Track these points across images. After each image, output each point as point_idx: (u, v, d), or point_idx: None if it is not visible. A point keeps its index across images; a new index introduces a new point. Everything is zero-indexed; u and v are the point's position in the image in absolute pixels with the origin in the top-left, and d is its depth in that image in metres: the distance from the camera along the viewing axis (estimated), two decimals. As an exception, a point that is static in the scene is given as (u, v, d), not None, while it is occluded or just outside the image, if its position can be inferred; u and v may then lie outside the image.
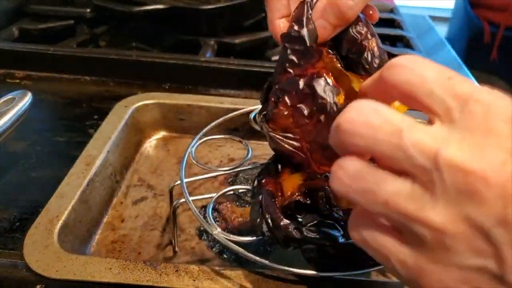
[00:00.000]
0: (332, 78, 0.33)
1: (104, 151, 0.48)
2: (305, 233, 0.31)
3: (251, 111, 0.48)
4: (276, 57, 0.34)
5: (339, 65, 0.34)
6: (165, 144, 0.59)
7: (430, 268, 0.21)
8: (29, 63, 0.66)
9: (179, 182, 0.40)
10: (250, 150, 0.45)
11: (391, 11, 0.93)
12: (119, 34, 0.83)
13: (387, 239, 0.23)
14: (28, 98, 0.54)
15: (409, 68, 0.23)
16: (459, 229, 0.20)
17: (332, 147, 0.25)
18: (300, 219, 0.32)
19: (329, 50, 0.34)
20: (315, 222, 0.32)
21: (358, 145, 0.22)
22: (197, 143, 0.45)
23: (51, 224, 0.39)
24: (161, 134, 0.60)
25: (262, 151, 0.57)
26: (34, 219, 0.39)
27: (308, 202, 0.33)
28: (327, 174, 0.36)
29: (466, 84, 0.22)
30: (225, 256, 0.42)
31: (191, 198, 0.38)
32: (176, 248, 0.43)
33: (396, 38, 0.82)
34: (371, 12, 0.35)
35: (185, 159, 0.42)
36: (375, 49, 0.34)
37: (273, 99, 0.33)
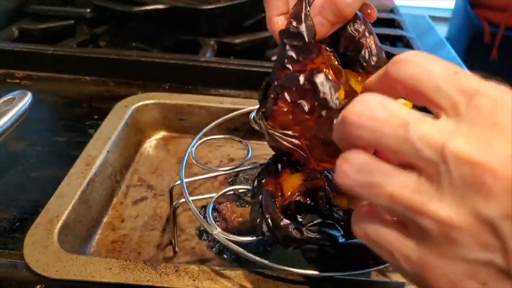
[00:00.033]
0: (332, 73, 0.33)
1: (104, 151, 0.48)
2: (305, 233, 0.31)
3: (251, 111, 0.48)
4: (276, 57, 0.34)
5: (336, 62, 0.34)
6: (165, 144, 0.59)
7: (435, 262, 0.21)
8: (29, 63, 0.66)
9: (179, 182, 0.40)
10: (250, 150, 0.45)
11: (391, 11, 0.93)
12: (119, 34, 0.83)
13: (391, 233, 0.23)
14: (28, 98, 0.54)
15: (415, 63, 0.23)
16: (466, 222, 0.20)
17: (334, 142, 0.25)
18: (300, 219, 0.32)
19: (327, 48, 0.34)
20: (315, 222, 0.32)
21: (364, 138, 0.22)
22: (197, 143, 0.45)
23: (51, 224, 0.39)
24: (161, 134, 0.60)
25: (262, 151, 0.57)
26: (34, 219, 0.40)
27: (308, 202, 0.33)
28: (327, 174, 0.36)
29: (472, 79, 0.22)
30: (225, 256, 0.42)
31: (191, 198, 0.38)
32: (176, 248, 0.43)
33: (396, 38, 0.82)
34: (369, 10, 0.35)
35: (185, 159, 0.42)
36: (373, 47, 0.34)
37: (272, 96, 0.33)
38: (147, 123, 0.59)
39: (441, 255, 0.21)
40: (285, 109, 0.33)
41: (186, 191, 0.38)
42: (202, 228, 0.45)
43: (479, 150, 0.20)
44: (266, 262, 0.33)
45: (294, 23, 0.32)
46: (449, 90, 0.22)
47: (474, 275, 0.20)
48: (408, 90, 0.23)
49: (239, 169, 0.44)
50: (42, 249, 0.37)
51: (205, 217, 0.36)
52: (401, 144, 0.21)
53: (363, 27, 0.34)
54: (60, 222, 0.39)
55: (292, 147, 0.33)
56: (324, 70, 0.32)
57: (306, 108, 0.32)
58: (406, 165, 0.22)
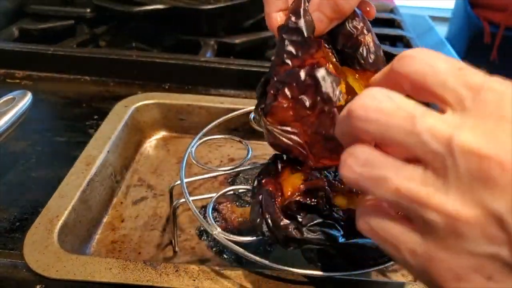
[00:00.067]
0: (332, 67, 0.33)
1: (104, 151, 0.48)
2: (305, 233, 0.31)
3: (251, 111, 0.48)
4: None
5: (334, 59, 0.34)
6: (165, 144, 0.59)
7: (441, 255, 0.21)
8: (29, 63, 0.66)
9: (179, 182, 0.40)
10: (250, 150, 0.45)
11: (391, 11, 0.93)
12: (119, 34, 0.83)
13: (396, 227, 0.23)
14: (28, 98, 0.54)
15: (420, 59, 0.23)
16: (472, 215, 0.20)
17: (336, 137, 0.25)
18: (300, 219, 0.32)
19: (325, 44, 0.34)
20: (315, 222, 0.32)
21: (371, 131, 0.22)
22: (197, 143, 0.45)
23: (51, 224, 0.39)
24: (161, 134, 0.60)
25: (262, 151, 0.57)
26: (34, 219, 0.40)
27: (308, 202, 0.33)
28: (327, 174, 0.36)
29: (477, 74, 0.22)
30: (225, 256, 0.42)
31: (191, 198, 0.38)
32: (176, 248, 0.43)
33: (396, 38, 0.82)
34: (368, 8, 0.35)
35: (185, 159, 0.42)
36: (371, 44, 0.34)
37: (272, 92, 0.33)
38: (147, 123, 0.59)
39: (447, 248, 0.21)
40: (285, 105, 0.32)
41: (186, 191, 0.38)
42: (202, 228, 0.45)
43: (486, 143, 0.20)
44: (266, 262, 0.33)
45: (293, 19, 0.32)
46: (455, 85, 0.22)
47: (479, 269, 0.20)
48: (414, 85, 0.23)
49: (239, 169, 0.44)
50: (42, 249, 0.37)
51: (205, 217, 0.36)
52: (408, 137, 0.21)
53: (361, 24, 0.34)
54: (60, 222, 0.39)
55: (291, 143, 0.33)
56: (325, 64, 0.32)
57: (307, 103, 0.32)
58: (412, 159, 0.22)
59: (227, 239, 0.34)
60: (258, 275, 0.35)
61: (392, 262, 0.33)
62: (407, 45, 0.78)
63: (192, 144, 0.44)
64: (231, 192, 0.41)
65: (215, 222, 0.35)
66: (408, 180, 0.21)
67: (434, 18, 1.07)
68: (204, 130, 0.47)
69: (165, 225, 0.46)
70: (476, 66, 0.22)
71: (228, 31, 0.79)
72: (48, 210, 0.40)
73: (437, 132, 0.21)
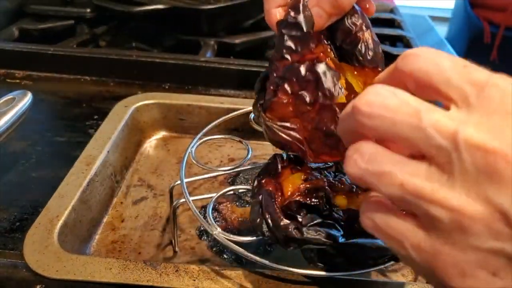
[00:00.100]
0: (331, 62, 0.33)
1: (104, 151, 0.48)
2: (305, 233, 0.31)
3: (251, 111, 0.48)
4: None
5: (333, 55, 0.34)
6: (165, 144, 0.59)
7: (446, 251, 0.21)
8: (29, 63, 0.66)
9: (179, 182, 0.40)
10: (250, 150, 0.45)
11: (391, 11, 0.93)
12: (119, 34, 0.83)
13: (400, 223, 0.23)
14: (28, 98, 0.54)
15: (424, 57, 0.23)
16: (478, 210, 0.20)
17: (337, 134, 0.25)
18: (300, 219, 0.32)
19: (324, 40, 0.34)
20: (315, 222, 0.32)
21: (376, 127, 0.22)
22: (197, 143, 0.45)
23: (51, 224, 0.39)
24: (161, 134, 0.60)
25: (262, 151, 0.57)
26: (34, 219, 0.40)
27: (308, 202, 0.33)
28: (327, 174, 0.36)
29: (482, 71, 0.22)
30: (225, 256, 0.42)
31: (191, 198, 0.38)
32: (176, 248, 0.43)
33: (396, 38, 0.82)
34: (367, 5, 0.35)
35: (185, 159, 0.42)
36: (370, 41, 0.34)
37: (272, 88, 0.33)
38: (147, 123, 0.59)
39: (452, 243, 0.21)
40: (285, 101, 0.32)
41: (186, 191, 0.38)
42: (202, 228, 0.45)
43: (492, 137, 0.20)
44: (266, 262, 0.33)
45: (292, 13, 0.32)
46: (459, 82, 0.22)
47: (484, 264, 0.20)
48: (418, 83, 0.23)
49: (239, 169, 0.44)
50: (42, 249, 0.37)
51: (205, 217, 0.36)
52: (413, 132, 0.21)
53: (360, 21, 0.34)
54: (60, 222, 0.39)
55: (290, 139, 0.33)
56: (324, 59, 0.32)
57: (308, 99, 0.32)
58: (416, 156, 0.22)
59: (227, 239, 0.34)
60: (258, 275, 0.35)
61: (392, 262, 0.33)
62: (407, 45, 0.78)
63: (192, 144, 0.44)
64: (231, 192, 0.41)
65: (215, 222, 0.35)
66: (412, 176, 0.21)
67: (434, 18, 1.07)
68: (204, 130, 0.47)
69: (165, 225, 0.46)
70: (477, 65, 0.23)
71: (228, 31, 0.79)
72: (48, 210, 0.40)
73: (442, 127, 0.21)
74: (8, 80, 0.65)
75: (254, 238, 0.34)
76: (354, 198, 0.35)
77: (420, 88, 0.23)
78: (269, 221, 0.32)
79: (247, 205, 0.48)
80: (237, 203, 0.48)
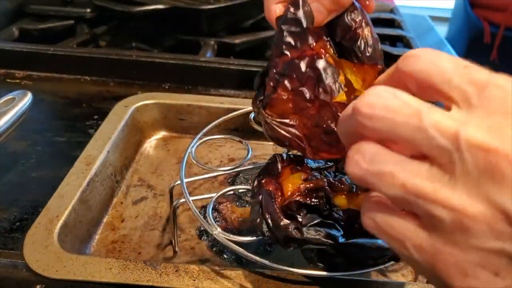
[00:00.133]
0: (330, 58, 0.33)
1: (104, 151, 0.48)
2: (305, 233, 0.31)
3: (251, 111, 0.48)
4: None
5: (332, 51, 0.34)
6: (165, 144, 0.59)
7: (447, 251, 0.21)
8: (29, 63, 0.66)
9: (179, 182, 0.40)
10: (250, 150, 0.45)
11: (391, 11, 0.93)
12: (119, 34, 0.84)
13: (402, 223, 0.23)
14: (28, 98, 0.54)
15: (425, 58, 0.23)
16: (479, 210, 0.20)
17: (337, 132, 0.25)
18: (300, 219, 0.32)
19: (324, 36, 0.34)
20: (315, 222, 0.32)
21: (377, 129, 0.22)
22: (197, 143, 0.45)
23: (51, 224, 0.39)
24: (161, 134, 0.60)
25: (262, 151, 0.57)
26: (34, 219, 0.40)
27: (308, 202, 0.33)
28: (327, 174, 0.36)
29: (483, 72, 0.22)
30: (225, 256, 0.42)
31: (191, 198, 0.38)
32: (176, 248, 0.43)
33: (396, 38, 0.82)
34: (367, 2, 0.35)
35: (185, 159, 0.42)
36: (369, 38, 0.34)
37: (271, 84, 0.32)
38: (147, 123, 0.59)
39: (453, 244, 0.21)
40: (285, 97, 0.32)
41: (186, 191, 0.38)
42: (202, 228, 0.45)
43: (493, 137, 0.20)
44: (266, 262, 0.33)
45: (292, 9, 0.32)
46: (460, 82, 0.22)
47: (486, 264, 0.20)
48: (419, 84, 0.23)
49: (239, 169, 0.44)
50: (42, 249, 0.37)
51: (205, 217, 0.36)
52: (414, 133, 0.21)
53: (360, 17, 0.33)
54: (60, 222, 0.39)
55: (289, 136, 0.33)
56: (324, 56, 0.32)
57: (308, 95, 0.32)
58: (418, 156, 0.22)
59: (227, 239, 0.34)
60: (258, 275, 0.35)
61: (392, 262, 0.33)
62: (407, 45, 0.78)
63: (192, 144, 0.44)
64: (231, 192, 0.41)
65: (215, 222, 0.35)
66: (414, 176, 0.21)
67: (434, 18, 1.07)
68: (204, 130, 0.47)
69: (165, 225, 0.46)
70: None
71: (228, 31, 0.79)
72: (48, 210, 0.40)
73: (444, 128, 0.21)
74: (8, 80, 0.65)
75: (254, 238, 0.34)
76: (354, 198, 0.35)
77: (421, 89, 0.23)
78: (269, 221, 0.32)
79: (247, 205, 0.48)
80: (237, 203, 0.48)
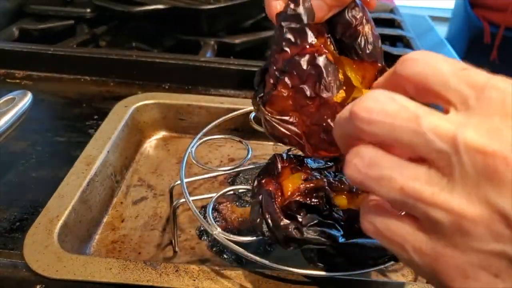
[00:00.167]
0: (330, 56, 0.32)
1: (104, 151, 0.48)
2: (305, 233, 0.31)
3: (251, 111, 0.48)
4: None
5: (332, 48, 0.34)
6: (165, 144, 0.59)
7: (448, 253, 0.21)
8: (29, 63, 0.66)
9: (179, 182, 0.40)
10: (250, 150, 0.45)
11: (391, 11, 0.93)
12: (119, 34, 0.84)
13: (402, 226, 0.23)
14: (28, 98, 0.54)
15: (422, 60, 0.23)
16: (478, 213, 0.20)
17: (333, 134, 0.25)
18: (300, 219, 0.32)
19: (325, 33, 0.34)
20: (315, 222, 0.32)
21: (375, 133, 0.22)
22: (197, 143, 0.45)
23: (51, 224, 0.39)
24: (161, 134, 0.60)
25: (262, 151, 0.57)
26: (34, 219, 0.40)
27: (308, 202, 0.33)
28: (327, 174, 0.36)
29: (481, 74, 0.22)
30: (225, 256, 0.42)
31: (191, 198, 0.38)
32: (176, 248, 0.43)
33: (396, 38, 0.82)
34: None
35: (185, 159, 0.42)
36: (369, 35, 0.34)
37: (271, 81, 0.32)
38: (147, 123, 0.59)
39: (453, 246, 0.21)
40: (285, 94, 0.32)
41: (186, 191, 0.38)
42: (202, 228, 0.45)
43: (491, 140, 0.20)
44: (266, 262, 0.33)
45: (292, 5, 0.32)
46: (458, 85, 0.22)
47: (486, 266, 0.20)
48: (417, 87, 0.23)
49: (239, 169, 0.44)
50: (42, 249, 0.37)
51: (205, 217, 0.36)
52: (413, 137, 0.21)
53: (360, 14, 0.33)
54: (60, 222, 0.39)
55: (289, 133, 0.32)
56: (324, 53, 0.32)
57: (308, 93, 0.31)
58: (416, 159, 0.22)
59: (227, 239, 0.34)
60: (258, 275, 0.35)
61: (392, 262, 0.33)
62: (407, 45, 0.78)
63: (192, 144, 0.44)
64: (231, 192, 0.41)
65: (215, 222, 0.35)
66: (413, 179, 0.21)
67: (434, 18, 1.07)
68: (204, 130, 0.47)
69: (165, 225, 0.46)
70: (476, 66, 0.23)
71: (228, 31, 0.79)
72: (48, 210, 0.40)
73: (442, 131, 0.21)
74: (8, 80, 0.65)
75: (254, 238, 0.34)
76: (354, 198, 0.35)
77: (420, 92, 0.23)
78: (269, 221, 0.32)
79: (247, 205, 0.48)
80: (237, 203, 0.48)
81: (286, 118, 0.32)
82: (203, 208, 0.47)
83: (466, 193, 0.20)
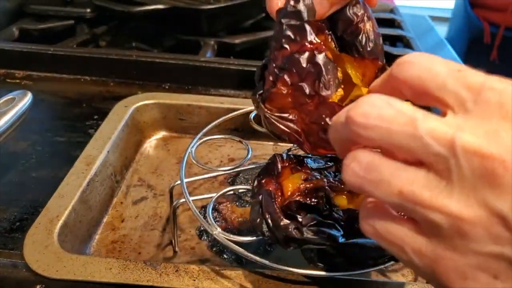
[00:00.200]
0: (330, 53, 0.32)
1: (104, 151, 0.48)
2: (305, 233, 0.31)
3: (251, 111, 0.48)
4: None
5: (333, 45, 0.34)
6: (165, 144, 0.59)
7: (447, 255, 0.21)
8: (29, 63, 0.66)
9: (179, 182, 0.40)
10: (250, 150, 0.45)
11: (391, 11, 0.93)
12: (119, 34, 0.84)
13: (401, 229, 0.23)
14: (28, 98, 0.54)
15: (418, 63, 0.23)
16: (477, 215, 0.20)
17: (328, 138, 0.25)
18: (300, 219, 0.32)
19: (326, 30, 0.33)
20: (315, 222, 0.32)
21: (372, 138, 0.22)
22: (197, 143, 0.45)
23: (51, 224, 0.39)
24: (161, 134, 0.60)
25: (262, 151, 0.57)
26: (34, 219, 0.40)
27: (308, 202, 0.33)
28: (327, 174, 0.36)
29: (477, 75, 0.22)
30: (225, 256, 0.42)
31: (191, 198, 0.38)
32: (176, 248, 0.43)
33: (396, 38, 0.82)
34: None
35: (185, 159, 0.42)
36: (370, 32, 0.34)
37: (271, 79, 0.32)
38: (147, 123, 0.59)
39: (452, 248, 0.21)
40: (284, 92, 0.32)
41: (186, 191, 0.38)
42: (202, 228, 0.45)
43: (489, 142, 0.20)
44: (266, 262, 0.33)
45: (292, 2, 0.32)
46: (455, 87, 0.22)
47: (485, 268, 0.20)
48: (414, 90, 0.23)
49: (239, 169, 0.44)
50: (42, 249, 0.37)
51: (205, 217, 0.36)
52: (410, 141, 0.21)
53: (362, 11, 0.33)
54: (60, 222, 0.39)
55: (288, 130, 0.32)
56: (324, 50, 0.32)
57: (307, 91, 0.31)
58: (414, 162, 0.22)
59: (227, 239, 0.34)
60: (258, 275, 0.35)
61: (392, 262, 0.33)
62: (407, 45, 0.78)
63: (192, 144, 0.44)
64: (231, 192, 0.41)
65: (215, 222, 0.35)
66: (411, 183, 0.21)
67: (434, 18, 1.07)
68: (204, 130, 0.47)
69: (165, 225, 0.46)
70: (476, 66, 0.22)
71: (228, 31, 0.79)
72: (48, 210, 0.40)
73: (439, 134, 0.21)
74: (8, 80, 0.65)
75: (254, 238, 0.34)
76: (354, 198, 0.35)
77: (417, 95, 0.23)
78: (269, 221, 0.32)
79: (247, 205, 0.48)
80: (237, 203, 0.48)
81: (285, 115, 0.32)
82: (203, 208, 0.47)
83: (464, 196, 0.20)
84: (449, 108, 0.22)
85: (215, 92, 0.64)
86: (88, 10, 0.83)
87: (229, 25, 0.79)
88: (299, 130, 0.32)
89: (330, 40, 0.34)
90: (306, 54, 0.31)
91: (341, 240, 0.31)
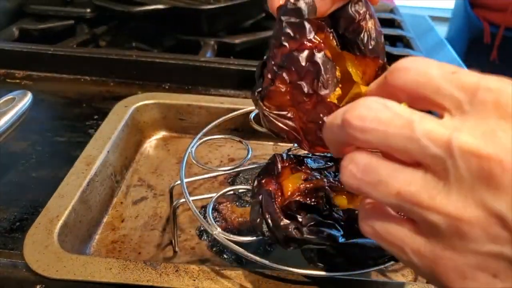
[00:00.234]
0: (330, 51, 0.32)
1: (104, 151, 0.48)
2: (305, 233, 0.31)
3: (251, 111, 0.48)
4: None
5: (335, 43, 0.34)
6: (165, 144, 0.59)
7: (446, 255, 0.21)
8: (29, 63, 0.66)
9: (179, 182, 0.40)
10: (250, 150, 0.45)
11: (391, 11, 0.93)
12: (119, 34, 0.84)
13: (400, 229, 0.23)
14: (28, 98, 0.54)
15: (412, 69, 0.23)
16: (475, 216, 0.20)
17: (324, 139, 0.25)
18: (300, 219, 0.32)
19: (327, 28, 0.33)
20: (315, 222, 0.32)
21: (369, 141, 0.22)
22: (197, 143, 0.45)
23: (51, 224, 0.39)
24: (161, 134, 0.60)
25: (262, 151, 0.57)
26: (34, 219, 0.40)
27: (308, 202, 0.33)
28: (327, 174, 0.36)
29: (471, 75, 0.22)
30: (225, 256, 0.42)
31: (191, 198, 0.38)
32: (176, 248, 0.43)
33: (396, 38, 0.82)
34: None
35: (185, 159, 0.42)
36: (372, 31, 0.33)
37: (269, 76, 0.32)
38: (147, 123, 0.59)
39: (451, 248, 0.21)
40: (283, 90, 0.32)
41: (186, 191, 0.38)
42: (202, 228, 0.45)
43: (486, 142, 0.20)
44: (266, 262, 0.33)
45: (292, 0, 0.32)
46: (450, 89, 0.22)
47: (484, 268, 0.21)
48: (410, 96, 0.23)
49: (239, 169, 0.44)
50: (42, 249, 0.37)
51: (205, 217, 0.36)
52: (407, 143, 0.21)
53: (364, 9, 0.33)
54: (60, 222, 0.39)
55: (286, 128, 0.32)
56: (324, 49, 0.32)
57: (306, 89, 0.31)
58: (412, 163, 0.22)
59: (227, 239, 0.34)
60: (258, 275, 0.35)
61: (392, 262, 0.33)
62: (407, 45, 0.78)
63: (192, 144, 0.44)
64: (231, 192, 0.41)
65: (215, 222, 0.35)
66: (408, 184, 0.21)
67: (434, 18, 1.07)
68: (204, 130, 0.47)
69: (165, 225, 0.46)
70: (476, 66, 0.22)
71: (228, 31, 0.79)
72: (48, 210, 0.40)
73: (436, 136, 0.21)
74: (8, 80, 0.65)
75: (254, 238, 0.34)
76: (354, 198, 0.35)
77: (413, 100, 0.23)
78: (269, 221, 0.32)
79: (247, 205, 0.48)
80: (237, 203, 0.48)
81: (284, 113, 0.32)
82: (203, 208, 0.47)
83: (462, 197, 0.20)
84: (446, 111, 0.22)
85: (215, 92, 0.64)
86: (88, 10, 0.83)
87: (229, 25, 0.79)
88: (298, 128, 0.32)
89: (331, 38, 0.34)
90: (305, 52, 0.31)
91: (341, 240, 0.31)
